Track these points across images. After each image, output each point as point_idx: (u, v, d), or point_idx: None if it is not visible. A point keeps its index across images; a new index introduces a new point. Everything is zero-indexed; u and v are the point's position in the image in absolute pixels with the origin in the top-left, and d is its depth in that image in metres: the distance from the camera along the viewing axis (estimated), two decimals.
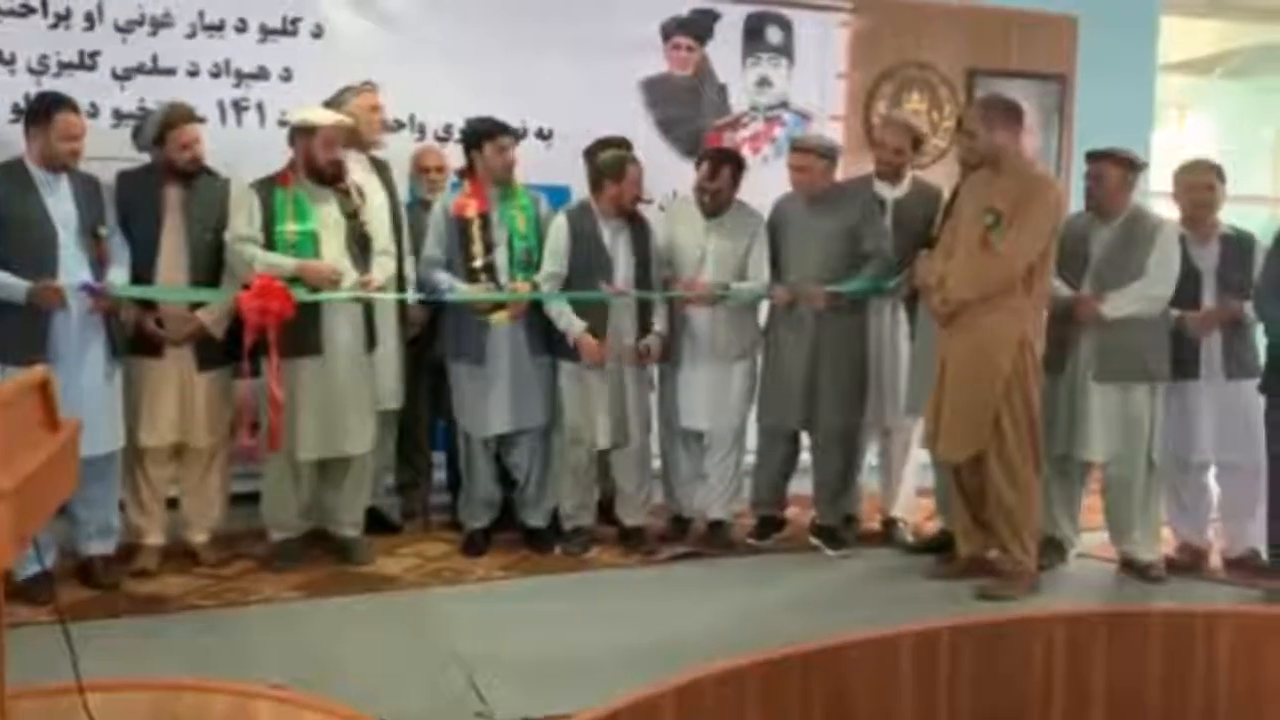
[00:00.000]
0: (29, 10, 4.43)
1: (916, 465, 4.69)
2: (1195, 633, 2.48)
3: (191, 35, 4.63)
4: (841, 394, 4.42)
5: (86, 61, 4.50)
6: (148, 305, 3.92)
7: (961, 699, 2.36)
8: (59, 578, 3.76)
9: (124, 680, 2.15)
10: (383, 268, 4.16)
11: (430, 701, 3.10)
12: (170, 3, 4.58)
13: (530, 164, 4.52)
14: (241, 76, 4.70)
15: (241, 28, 4.69)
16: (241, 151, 4.34)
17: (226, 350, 4.02)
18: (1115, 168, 4.19)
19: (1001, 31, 5.94)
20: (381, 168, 4.36)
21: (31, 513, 1.59)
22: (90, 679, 1.91)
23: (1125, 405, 4.19)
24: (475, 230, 4.23)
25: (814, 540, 4.54)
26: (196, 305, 3.97)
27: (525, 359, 4.30)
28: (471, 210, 4.23)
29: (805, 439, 4.61)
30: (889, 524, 4.72)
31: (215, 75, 4.67)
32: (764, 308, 4.58)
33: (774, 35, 5.52)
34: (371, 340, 4.15)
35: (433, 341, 4.46)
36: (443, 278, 4.24)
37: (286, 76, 4.74)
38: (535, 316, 4.29)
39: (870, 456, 4.80)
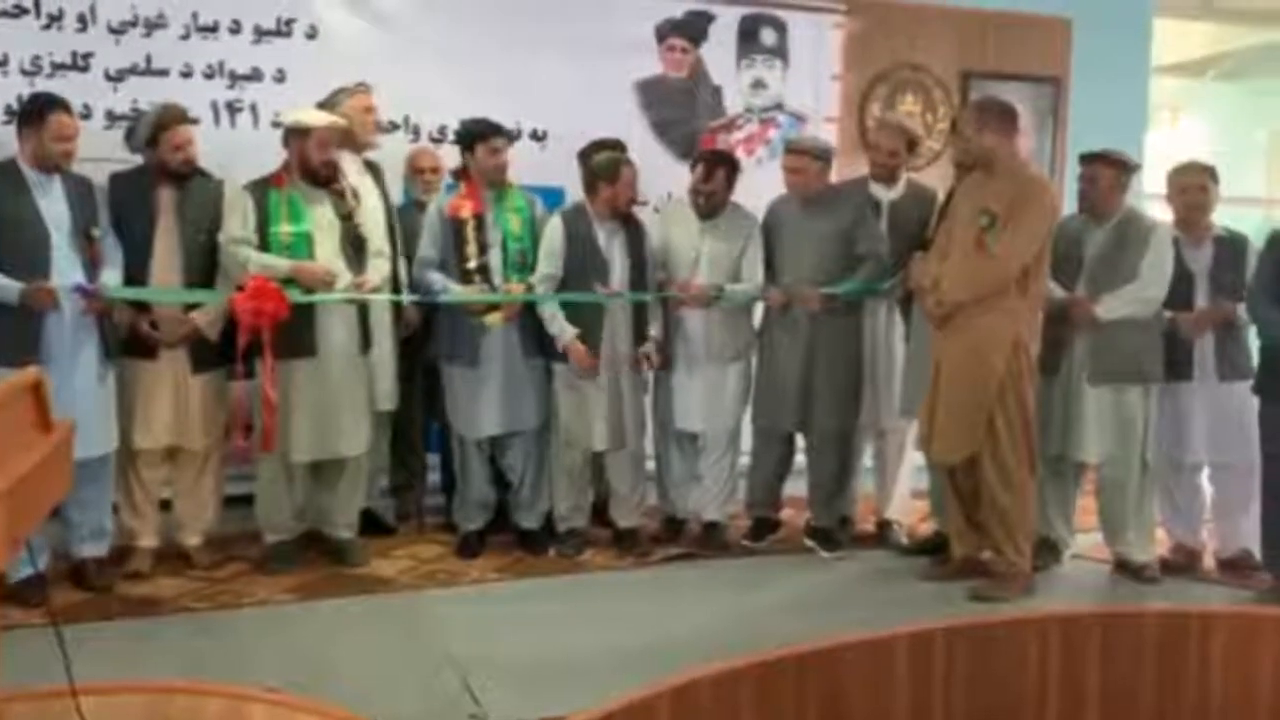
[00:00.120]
0: (22, 11, 4.42)
1: (911, 467, 4.70)
2: (1189, 633, 2.48)
3: (185, 36, 4.62)
4: (836, 396, 4.42)
5: (79, 62, 4.49)
6: (142, 307, 3.91)
7: (956, 700, 2.36)
8: (52, 580, 3.77)
9: (117, 683, 2.14)
10: (377, 269, 4.15)
11: (424, 704, 3.09)
12: (164, 4, 4.58)
13: (524, 165, 4.53)
14: (235, 78, 4.70)
15: (235, 29, 4.69)
16: (235, 153, 4.33)
17: (221, 352, 4.01)
18: (1109, 170, 4.20)
19: (995, 34, 5.95)
20: (374, 170, 4.35)
21: (24, 515, 1.58)
22: (83, 682, 1.90)
23: (1119, 406, 4.19)
24: (470, 231, 4.22)
25: (809, 542, 4.54)
26: (191, 307, 3.96)
27: (518, 361, 4.29)
28: (466, 211, 4.23)
29: (800, 441, 4.61)
30: (884, 526, 4.73)
31: (209, 76, 4.67)
32: (758, 309, 4.59)
33: (768, 37, 5.52)
34: (366, 342, 4.14)
35: (427, 343, 4.46)
36: (436, 278, 4.23)
37: (280, 78, 4.73)
38: (529, 318, 4.29)
39: (865, 458, 4.80)
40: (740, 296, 4.44)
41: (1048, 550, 4.36)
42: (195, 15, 4.62)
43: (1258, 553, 4.20)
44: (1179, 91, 8.34)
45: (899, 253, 4.37)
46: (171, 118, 3.94)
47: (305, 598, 3.90)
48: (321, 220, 4.03)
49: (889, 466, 4.71)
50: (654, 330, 4.39)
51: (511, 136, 4.42)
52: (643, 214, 4.57)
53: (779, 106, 5.55)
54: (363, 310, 4.11)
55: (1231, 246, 4.27)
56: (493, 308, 4.21)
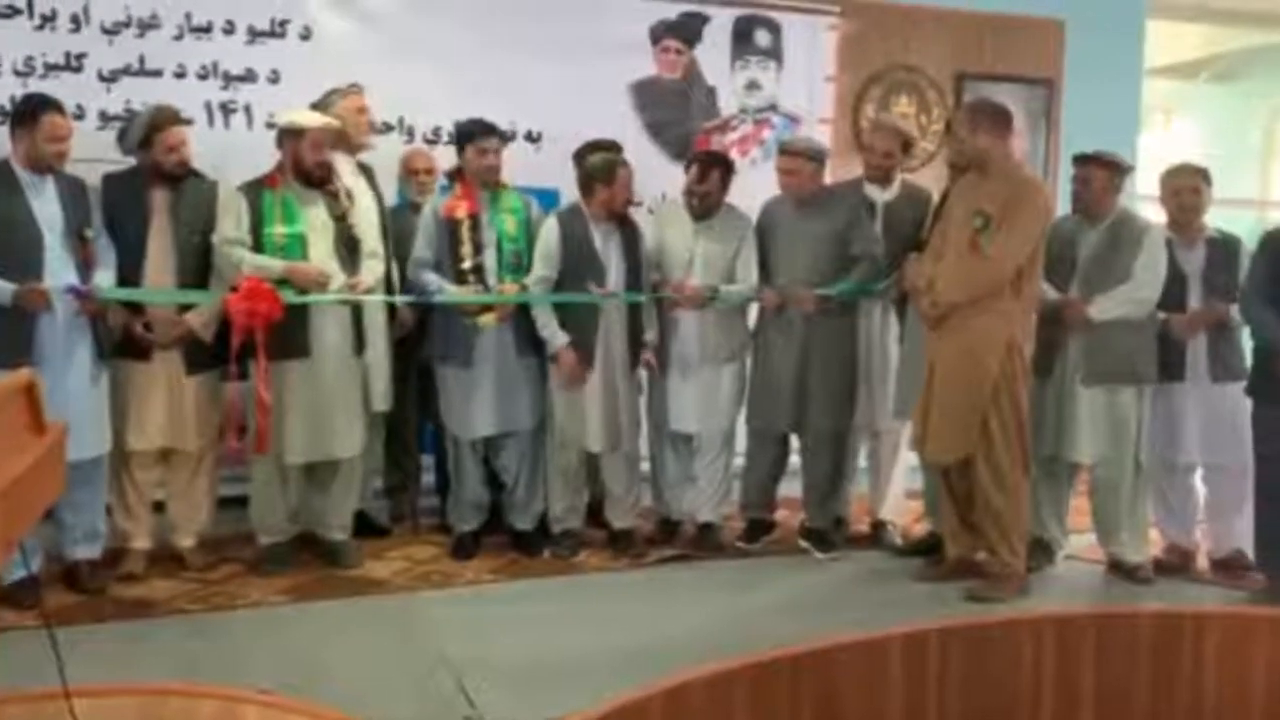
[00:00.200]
0: (14, 11, 4.41)
1: (905, 468, 4.70)
2: (1183, 634, 2.48)
3: (179, 37, 4.62)
4: (831, 396, 4.42)
5: (73, 63, 4.49)
6: (135, 308, 3.90)
7: (951, 701, 2.36)
8: (45, 582, 3.76)
9: (110, 685, 2.13)
10: (371, 270, 4.15)
11: (419, 705, 3.09)
12: (157, 4, 4.57)
13: (519, 167, 4.53)
14: (229, 78, 4.69)
15: (229, 29, 4.68)
16: (229, 154, 4.33)
17: (215, 353, 4.00)
18: (1102, 171, 4.21)
19: (989, 35, 5.96)
20: (367, 171, 4.35)
21: (17, 517, 1.58)
22: (76, 684, 1.89)
23: (1112, 408, 4.20)
24: (465, 231, 4.22)
25: (803, 543, 4.55)
26: (185, 308, 3.96)
27: (513, 361, 4.29)
28: (462, 211, 4.23)
29: (794, 441, 4.62)
30: (878, 526, 4.73)
31: (203, 77, 4.66)
32: (753, 311, 4.59)
33: (762, 38, 5.53)
34: (360, 342, 4.13)
35: (421, 343, 4.45)
36: (431, 279, 4.23)
37: (274, 78, 4.73)
38: (523, 319, 4.28)
39: (859, 459, 4.80)
40: (735, 297, 4.44)
41: (1042, 551, 4.37)
42: (189, 16, 4.62)
43: (1251, 553, 4.21)
44: (1172, 93, 8.35)
45: (893, 254, 4.38)
46: (165, 119, 3.93)
47: (299, 599, 3.89)
48: (315, 221, 4.02)
49: (883, 467, 4.71)
50: (650, 335, 4.40)
51: (505, 138, 4.41)
52: (637, 215, 4.57)
53: (773, 108, 5.56)
54: (356, 311, 4.10)
55: (1224, 248, 4.28)
56: (487, 308, 4.21)
